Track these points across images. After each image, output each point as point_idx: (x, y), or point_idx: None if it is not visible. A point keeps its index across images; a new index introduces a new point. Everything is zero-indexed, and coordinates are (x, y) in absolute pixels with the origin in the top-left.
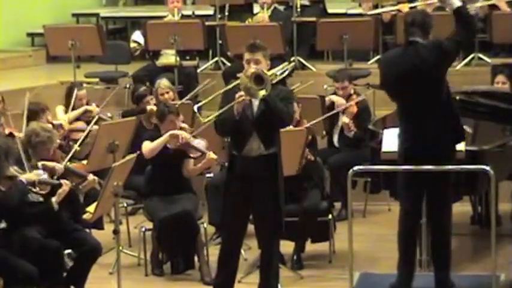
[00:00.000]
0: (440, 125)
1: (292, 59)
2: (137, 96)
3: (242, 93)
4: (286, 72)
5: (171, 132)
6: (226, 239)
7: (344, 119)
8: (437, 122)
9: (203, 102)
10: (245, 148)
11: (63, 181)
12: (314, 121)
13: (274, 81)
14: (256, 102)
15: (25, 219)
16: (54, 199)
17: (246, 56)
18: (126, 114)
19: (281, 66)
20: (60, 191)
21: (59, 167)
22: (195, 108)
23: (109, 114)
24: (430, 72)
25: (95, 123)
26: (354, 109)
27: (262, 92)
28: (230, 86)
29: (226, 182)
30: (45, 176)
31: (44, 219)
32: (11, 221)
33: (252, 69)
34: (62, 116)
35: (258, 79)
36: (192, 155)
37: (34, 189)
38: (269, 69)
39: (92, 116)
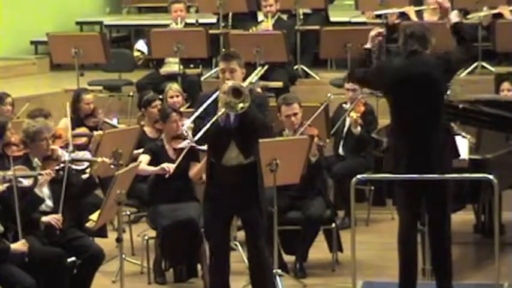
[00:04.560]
0: (441, 133)
1: (295, 67)
2: (145, 101)
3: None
4: (259, 75)
5: (162, 166)
6: (212, 246)
7: (352, 114)
8: (438, 130)
9: (193, 118)
10: (224, 157)
11: (43, 171)
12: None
13: (249, 87)
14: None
15: (31, 225)
16: (37, 190)
17: (221, 65)
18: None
19: (255, 73)
20: (41, 180)
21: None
22: (188, 123)
23: (115, 120)
24: (435, 81)
25: (97, 130)
26: (361, 108)
27: (241, 105)
28: (210, 101)
29: (206, 191)
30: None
31: (34, 204)
32: (17, 226)
33: (228, 83)
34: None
35: (236, 92)
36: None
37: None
38: (244, 78)
39: (97, 121)
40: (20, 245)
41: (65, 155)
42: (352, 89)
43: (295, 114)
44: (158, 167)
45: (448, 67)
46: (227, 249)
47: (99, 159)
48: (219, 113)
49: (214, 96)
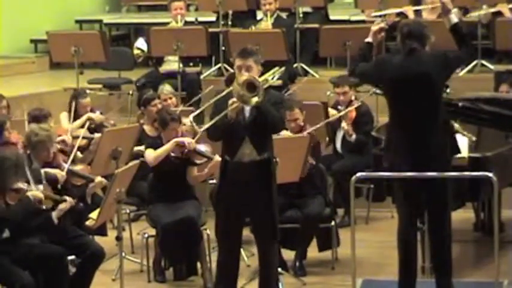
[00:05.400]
0: (440, 132)
1: (295, 65)
2: (145, 99)
3: (234, 99)
4: (277, 77)
5: (175, 140)
6: (223, 245)
7: (343, 125)
8: (437, 128)
9: (197, 112)
10: (237, 153)
11: (67, 197)
12: (314, 127)
13: (265, 86)
14: (248, 107)
15: (28, 230)
16: (54, 214)
17: (237, 62)
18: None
19: (272, 72)
20: (61, 206)
21: (61, 174)
22: (191, 117)
23: (112, 122)
24: (434, 79)
25: (98, 131)
26: (352, 114)
27: (255, 99)
28: (223, 94)
29: (219, 188)
30: (50, 193)
31: (45, 229)
32: (14, 231)
33: (244, 76)
34: (65, 124)
35: (251, 86)
36: (197, 161)
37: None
38: (260, 75)
39: (94, 124)
40: (38, 193)
41: (65, 166)
42: (343, 93)
43: (295, 120)
44: (171, 142)
45: (446, 63)
46: (239, 254)
47: (97, 180)
48: (233, 106)
49: (227, 90)
